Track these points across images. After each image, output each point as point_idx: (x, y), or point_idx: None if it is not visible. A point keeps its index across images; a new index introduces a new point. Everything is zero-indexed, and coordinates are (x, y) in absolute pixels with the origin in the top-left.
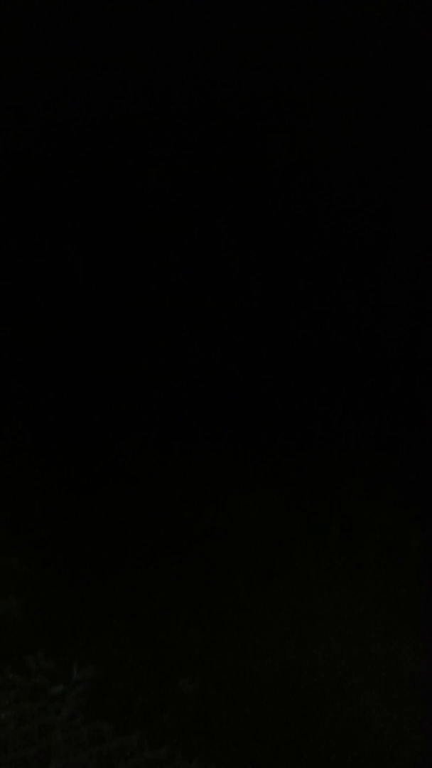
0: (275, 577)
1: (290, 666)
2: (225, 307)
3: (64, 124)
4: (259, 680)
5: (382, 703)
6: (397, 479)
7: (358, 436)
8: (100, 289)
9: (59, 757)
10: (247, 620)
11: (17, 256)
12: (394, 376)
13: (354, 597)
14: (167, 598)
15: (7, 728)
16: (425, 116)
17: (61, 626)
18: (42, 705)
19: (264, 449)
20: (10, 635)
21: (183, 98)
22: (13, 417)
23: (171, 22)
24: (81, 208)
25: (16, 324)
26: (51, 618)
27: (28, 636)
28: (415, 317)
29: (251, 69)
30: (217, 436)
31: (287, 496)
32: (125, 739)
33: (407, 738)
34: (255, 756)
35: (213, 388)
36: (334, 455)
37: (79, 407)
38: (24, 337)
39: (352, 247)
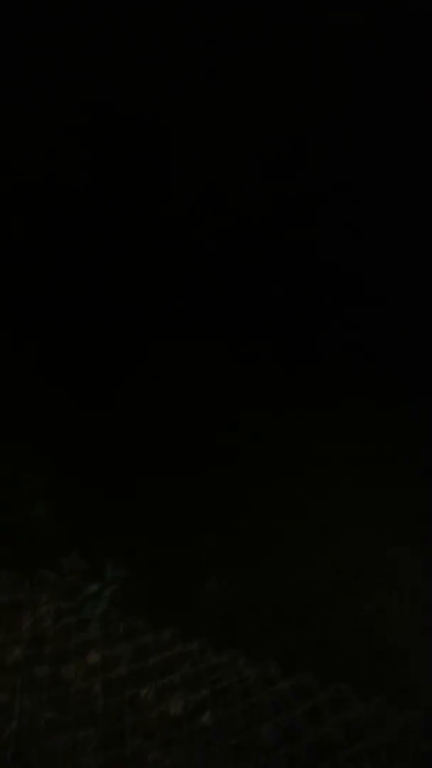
0: (294, 485)
1: (308, 567)
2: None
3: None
4: (279, 582)
5: (395, 600)
6: (415, 390)
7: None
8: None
9: (97, 649)
10: (265, 525)
11: None
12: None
13: (368, 504)
14: (191, 505)
15: (45, 623)
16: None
17: (90, 530)
18: (78, 602)
19: (282, 355)
20: (43, 538)
21: None
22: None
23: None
24: None
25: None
26: (80, 522)
27: (60, 539)
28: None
29: None
30: (236, 348)
31: (303, 405)
32: (158, 634)
33: (417, 628)
34: (279, 647)
35: (223, 293)
36: (347, 356)
37: (90, 314)
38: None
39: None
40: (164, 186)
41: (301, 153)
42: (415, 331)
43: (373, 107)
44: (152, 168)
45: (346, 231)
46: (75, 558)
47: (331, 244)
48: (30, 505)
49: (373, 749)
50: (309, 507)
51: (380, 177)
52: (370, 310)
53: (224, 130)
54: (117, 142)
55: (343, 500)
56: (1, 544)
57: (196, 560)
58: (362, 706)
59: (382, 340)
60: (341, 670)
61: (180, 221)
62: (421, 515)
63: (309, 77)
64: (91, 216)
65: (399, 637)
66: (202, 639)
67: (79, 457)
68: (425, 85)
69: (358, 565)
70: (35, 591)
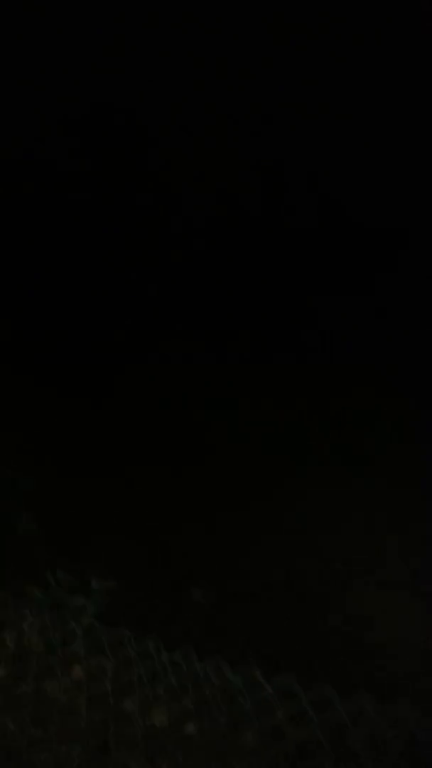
0: (281, 485)
1: (296, 570)
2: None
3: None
4: (266, 584)
5: (385, 603)
6: (403, 379)
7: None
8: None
9: (81, 663)
10: (254, 529)
11: None
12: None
13: (360, 503)
14: (175, 509)
15: (30, 640)
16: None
17: (74, 541)
18: (63, 616)
19: (270, 355)
20: (26, 551)
21: None
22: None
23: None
24: None
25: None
26: (64, 533)
27: (43, 551)
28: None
29: None
30: (226, 346)
31: (292, 400)
32: (143, 645)
33: (408, 634)
34: (263, 651)
35: (216, 293)
36: (339, 355)
37: (77, 319)
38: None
39: None
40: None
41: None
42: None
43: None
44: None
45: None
46: (60, 573)
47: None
48: (15, 516)
49: (356, 747)
50: (296, 507)
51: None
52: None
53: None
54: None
55: (329, 497)
56: None
57: (182, 569)
58: (346, 705)
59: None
60: (326, 670)
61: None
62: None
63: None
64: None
65: (386, 634)
66: (187, 648)
67: (66, 465)
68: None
69: (347, 562)
70: (19, 607)
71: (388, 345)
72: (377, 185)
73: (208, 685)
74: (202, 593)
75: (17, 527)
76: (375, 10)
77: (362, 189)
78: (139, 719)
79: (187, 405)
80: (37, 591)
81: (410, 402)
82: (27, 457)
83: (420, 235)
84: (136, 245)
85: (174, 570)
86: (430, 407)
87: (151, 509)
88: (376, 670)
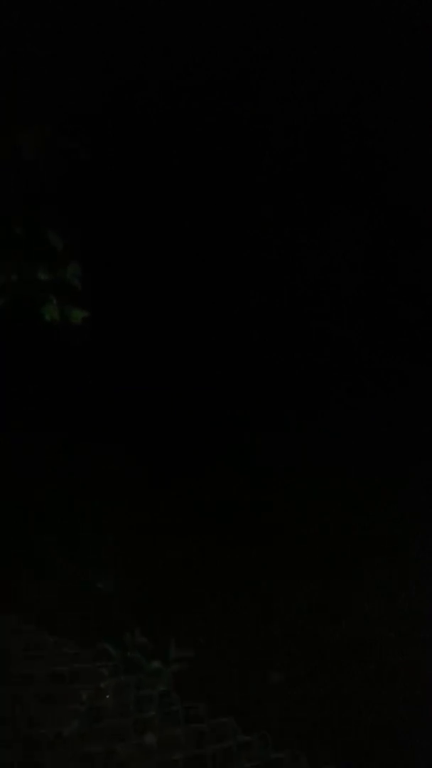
0: (368, 578)
1: (385, 671)
2: None
3: None
4: (351, 680)
5: None
6: None
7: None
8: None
9: (154, 730)
10: (341, 619)
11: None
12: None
13: None
14: (256, 591)
15: (104, 697)
16: None
17: (155, 607)
18: (139, 679)
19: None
20: (107, 610)
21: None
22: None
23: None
24: None
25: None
26: (146, 598)
27: (124, 612)
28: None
29: None
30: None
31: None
32: (218, 721)
33: None
34: (345, 753)
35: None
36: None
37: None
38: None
39: None
40: None
41: None
42: None
43: None
44: None
45: None
46: (138, 634)
47: None
48: (99, 575)
49: None
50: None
51: None
52: None
53: None
54: None
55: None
56: (66, 613)
57: (260, 650)
58: None
59: None
60: None
61: None
62: None
63: None
64: None
65: None
66: (262, 732)
67: (154, 537)
68: None
69: None
70: (96, 663)
71: None
72: None
73: None
74: (281, 675)
75: (97, 584)
76: None
77: None
78: None
79: (280, 497)
80: (114, 650)
81: None
82: (111, 515)
83: None
84: None
85: (254, 648)
86: None
87: (239, 587)
88: None
